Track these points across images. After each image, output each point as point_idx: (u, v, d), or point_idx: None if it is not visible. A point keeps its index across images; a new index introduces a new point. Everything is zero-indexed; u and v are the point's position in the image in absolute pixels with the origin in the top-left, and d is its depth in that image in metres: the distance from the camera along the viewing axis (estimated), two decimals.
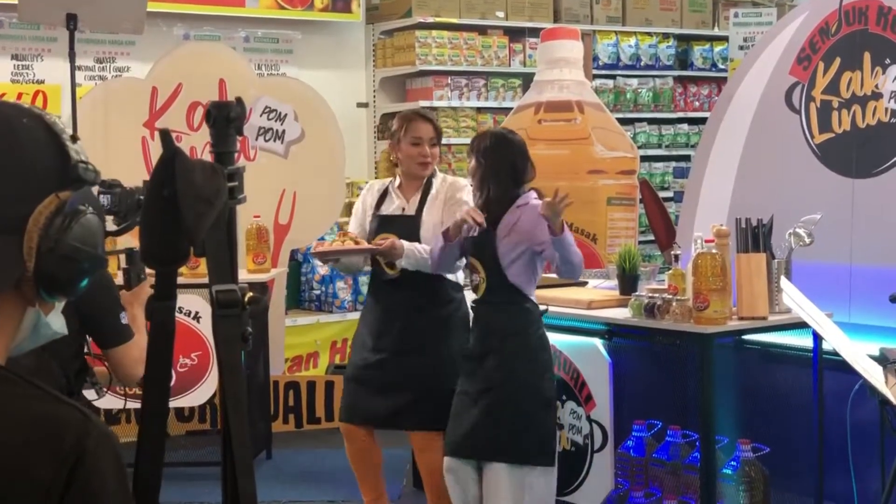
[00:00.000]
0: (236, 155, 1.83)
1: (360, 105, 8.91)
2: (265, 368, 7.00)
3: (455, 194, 5.02)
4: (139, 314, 3.19)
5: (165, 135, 1.64)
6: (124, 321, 3.24)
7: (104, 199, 2.54)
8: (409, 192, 5.09)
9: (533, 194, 4.66)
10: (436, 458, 4.91)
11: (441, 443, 4.85)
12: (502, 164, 4.64)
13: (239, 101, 1.77)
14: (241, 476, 1.65)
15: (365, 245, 4.93)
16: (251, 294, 1.74)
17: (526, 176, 4.70)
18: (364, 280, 7.26)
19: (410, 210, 5.05)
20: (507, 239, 4.58)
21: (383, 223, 5.06)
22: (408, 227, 4.98)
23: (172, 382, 1.73)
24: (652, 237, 8.34)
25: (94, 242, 1.44)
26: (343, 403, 5.23)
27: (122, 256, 3.33)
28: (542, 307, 4.72)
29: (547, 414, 4.58)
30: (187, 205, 1.61)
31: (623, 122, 8.54)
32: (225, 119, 1.74)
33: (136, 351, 3.23)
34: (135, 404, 6.49)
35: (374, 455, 5.18)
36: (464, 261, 4.80)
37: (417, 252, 4.88)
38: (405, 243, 4.87)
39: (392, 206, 5.10)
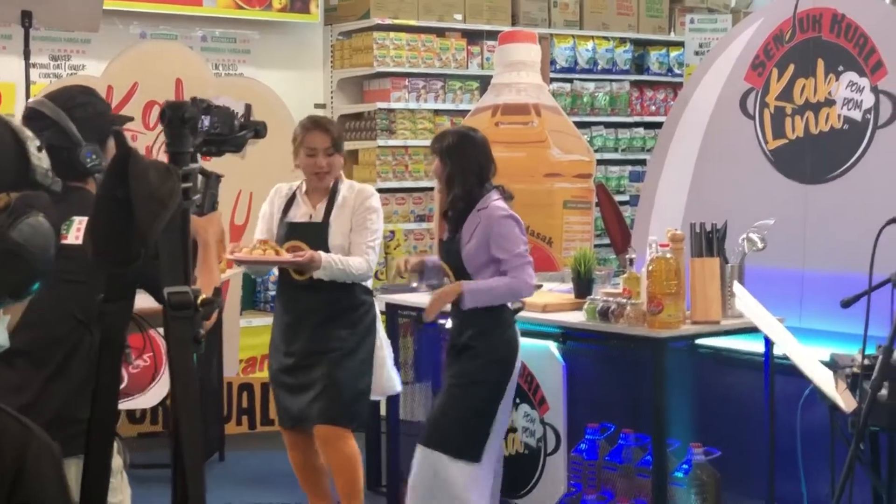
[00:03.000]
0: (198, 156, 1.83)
1: (317, 106, 8.87)
2: (219, 370, 6.97)
3: (364, 202, 5.03)
4: (211, 241, 3.01)
5: (119, 135, 1.63)
6: None
7: (205, 121, 2.16)
8: (316, 199, 5.10)
9: (494, 194, 4.67)
10: (341, 446, 4.97)
11: (348, 440, 4.97)
12: (467, 164, 4.67)
13: (194, 101, 1.76)
14: (190, 479, 1.64)
15: (285, 257, 4.93)
16: (204, 296, 1.73)
17: (489, 174, 4.73)
18: None
19: (317, 217, 5.05)
20: (469, 245, 4.61)
21: (291, 230, 5.07)
22: (316, 234, 5.00)
23: (124, 385, 1.72)
24: (608, 241, 8.37)
25: (43, 245, 1.42)
26: (276, 409, 5.30)
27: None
28: (516, 305, 4.74)
29: (488, 412, 4.61)
30: (141, 205, 1.60)
31: (580, 125, 8.56)
32: (179, 119, 1.73)
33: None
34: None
35: (315, 458, 5.18)
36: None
37: (335, 263, 4.90)
38: (322, 255, 4.89)
39: (299, 213, 5.10)
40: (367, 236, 5.00)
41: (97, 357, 1.67)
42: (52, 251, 1.44)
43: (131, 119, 3.34)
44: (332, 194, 5.06)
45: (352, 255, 4.97)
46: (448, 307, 4.76)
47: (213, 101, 1.84)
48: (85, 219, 2.43)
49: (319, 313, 5.01)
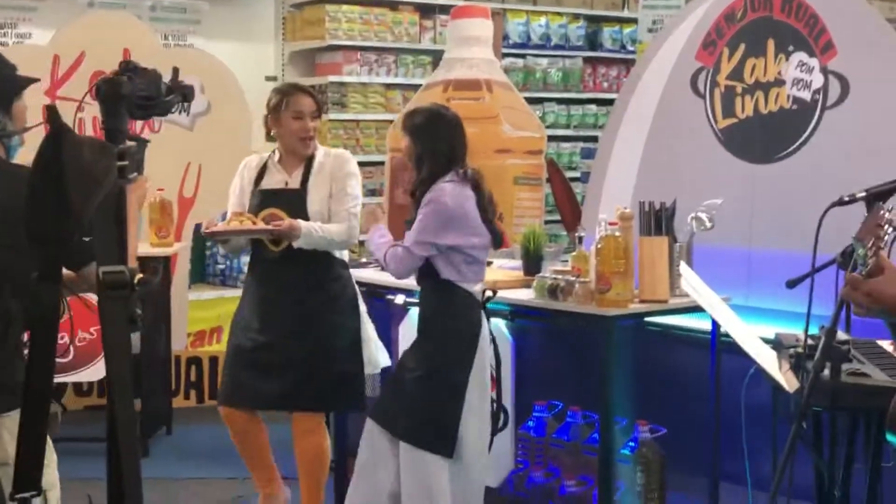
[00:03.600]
0: (141, 126, 1.79)
1: (268, 78, 8.80)
2: (167, 343, 6.92)
3: (343, 167, 4.91)
4: (133, 204, 2.91)
5: (52, 110, 1.59)
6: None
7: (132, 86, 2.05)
8: (292, 167, 4.94)
9: (448, 176, 4.45)
10: (317, 442, 4.90)
11: (322, 433, 4.88)
12: (438, 144, 4.49)
13: (122, 65, 1.73)
14: (125, 459, 1.62)
15: (262, 226, 4.78)
16: (141, 275, 1.70)
17: (460, 154, 4.53)
18: None
19: (294, 183, 4.90)
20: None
21: (267, 198, 4.90)
22: (293, 201, 4.85)
23: (71, 357, 1.70)
24: (558, 217, 8.38)
25: None
26: (224, 387, 5.06)
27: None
28: (487, 293, 4.59)
29: (453, 404, 4.42)
30: (74, 184, 1.57)
31: (532, 101, 8.55)
32: (115, 95, 1.69)
33: None
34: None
35: (260, 436, 5.03)
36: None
37: (315, 231, 4.77)
38: (302, 223, 4.76)
39: (273, 181, 4.94)
40: (348, 202, 4.86)
41: (31, 336, 1.65)
42: None
43: (37, 80, 3.22)
44: (309, 160, 4.92)
45: (332, 222, 4.83)
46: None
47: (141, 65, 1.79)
48: None
49: (297, 287, 4.86)
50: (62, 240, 1.63)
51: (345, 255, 5.06)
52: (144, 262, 5.66)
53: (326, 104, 8.42)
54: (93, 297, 5.70)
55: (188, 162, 7.21)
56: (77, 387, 6.92)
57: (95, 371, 6.32)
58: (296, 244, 4.79)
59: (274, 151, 5.03)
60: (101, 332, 1.67)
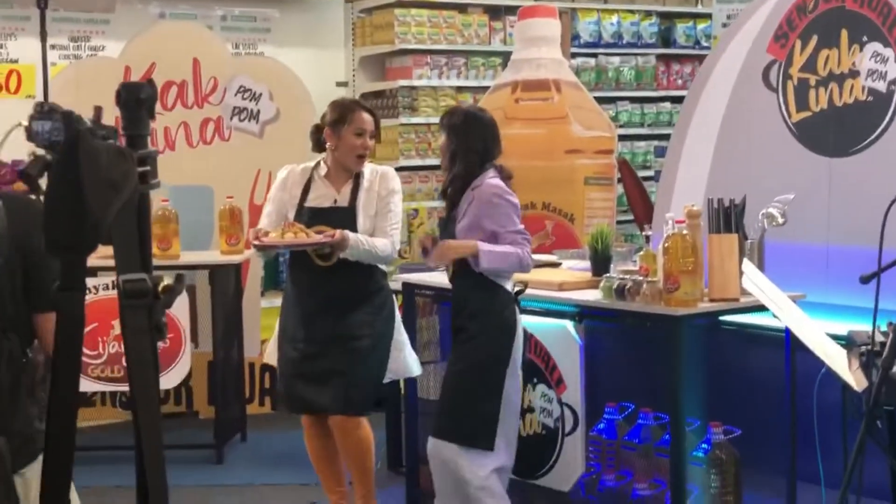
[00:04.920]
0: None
1: (339, 84, 8.81)
2: (240, 350, 6.95)
3: (387, 185, 4.97)
4: None
5: (68, 116, 1.57)
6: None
7: (44, 126, 1.82)
8: (339, 182, 4.99)
9: (490, 173, 4.64)
10: (358, 437, 4.97)
11: (362, 426, 4.96)
12: (472, 144, 4.66)
13: (150, 82, 1.70)
14: (150, 472, 1.59)
15: (315, 238, 4.81)
16: (166, 283, 1.67)
17: (493, 156, 4.71)
18: None
19: (343, 202, 4.95)
20: (462, 223, 4.59)
21: (316, 216, 4.93)
22: (344, 220, 4.90)
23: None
24: (631, 217, 8.27)
25: None
26: (280, 396, 5.30)
27: None
28: (517, 288, 4.71)
29: (494, 398, 4.57)
30: (92, 190, 1.54)
31: (605, 100, 8.45)
32: (135, 101, 1.66)
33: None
34: (108, 387, 6.46)
35: (332, 444, 5.10)
36: None
37: (362, 244, 4.84)
38: (350, 234, 4.81)
39: (321, 197, 4.98)
40: (391, 219, 4.94)
41: (54, 347, 1.62)
42: None
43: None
44: (357, 177, 4.97)
45: (376, 236, 4.91)
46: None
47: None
48: None
49: (343, 298, 4.92)
50: (82, 248, 1.60)
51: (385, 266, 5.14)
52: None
53: (397, 108, 8.41)
54: None
55: (258, 169, 7.23)
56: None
57: (168, 379, 6.34)
58: (342, 254, 4.84)
59: (319, 164, 5.06)
60: (123, 342, 1.64)
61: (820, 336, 3.47)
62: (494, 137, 4.73)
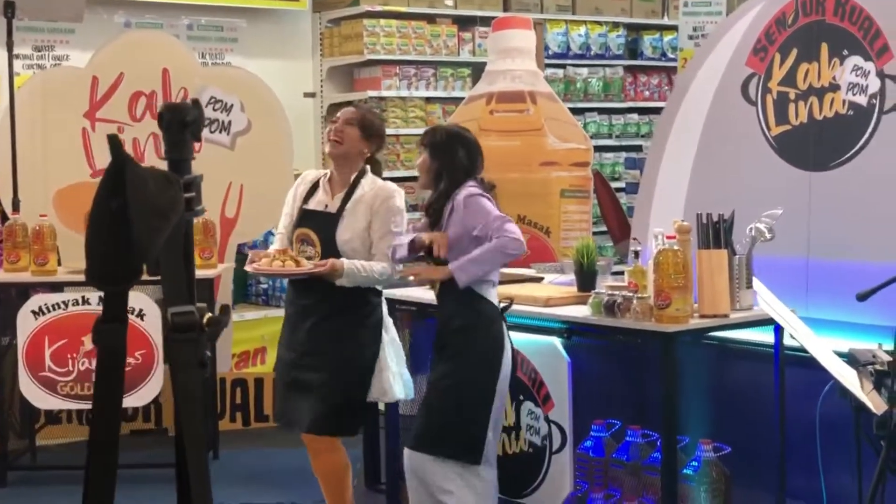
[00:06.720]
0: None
1: (307, 95, 8.72)
2: (212, 365, 6.83)
3: (385, 202, 4.85)
4: None
5: (114, 140, 1.48)
6: None
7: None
8: (337, 188, 4.93)
9: (469, 183, 4.64)
10: (331, 460, 4.89)
11: (335, 449, 4.87)
12: (457, 163, 4.67)
13: (196, 102, 1.61)
14: None
15: (305, 268, 4.73)
16: (210, 315, 1.58)
17: (477, 172, 4.73)
18: None
19: (332, 207, 4.88)
20: (449, 233, 4.59)
21: (305, 217, 4.93)
22: (325, 224, 4.84)
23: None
24: (604, 229, 8.24)
25: None
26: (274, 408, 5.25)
27: None
28: (503, 304, 4.67)
29: (482, 413, 4.54)
30: (139, 218, 1.46)
31: (573, 111, 8.41)
32: (180, 123, 1.57)
33: None
34: (77, 405, 6.31)
35: (324, 459, 4.96)
36: None
37: (358, 271, 4.73)
38: (345, 262, 4.72)
39: (317, 201, 4.94)
40: (392, 240, 4.81)
41: (95, 380, 1.53)
42: None
43: None
44: (353, 186, 4.90)
45: (375, 260, 4.79)
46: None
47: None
48: None
49: (321, 308, 4.81)
50: (127, 279, 1.51)
51: None
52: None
53: None
54: (135, 321, 5.60)
55: (230, 181, 7.12)
56: (122, 412, 6.83)
57: (142, 395, 6.20)
58: (338, 283, 4.74)
59: (330, 170, 5.04)
60: (171, 378, 1.55)
61: (831, 355, 3.43)
62: (478, 154, 4.74)
